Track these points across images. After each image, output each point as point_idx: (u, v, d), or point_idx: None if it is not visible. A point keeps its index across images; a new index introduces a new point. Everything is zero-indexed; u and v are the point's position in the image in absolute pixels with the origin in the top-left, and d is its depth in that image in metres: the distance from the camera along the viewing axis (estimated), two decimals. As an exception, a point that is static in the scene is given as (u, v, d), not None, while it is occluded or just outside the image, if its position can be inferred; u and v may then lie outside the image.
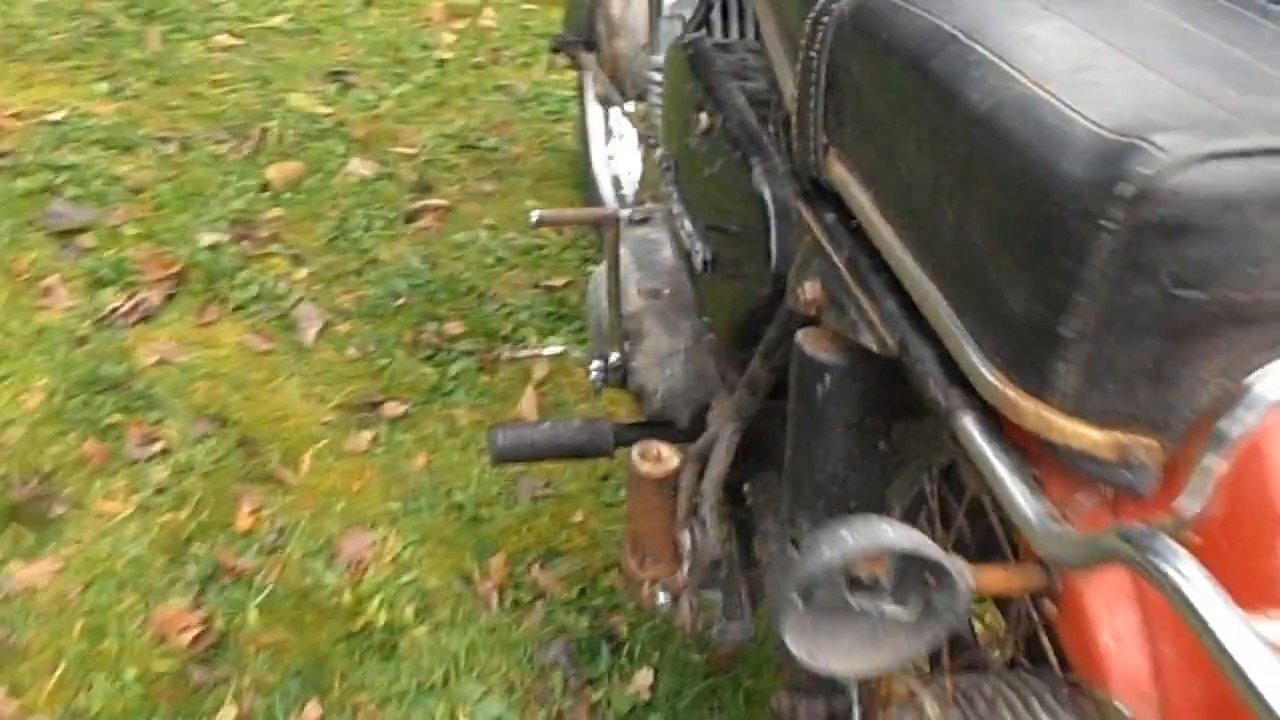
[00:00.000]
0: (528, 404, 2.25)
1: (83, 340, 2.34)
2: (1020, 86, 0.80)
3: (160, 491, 2.04)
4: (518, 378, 2.32)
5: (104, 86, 3.22)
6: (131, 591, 1.87)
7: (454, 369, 2.33)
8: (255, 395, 2.26)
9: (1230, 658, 0.60)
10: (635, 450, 1.37)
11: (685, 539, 1.38)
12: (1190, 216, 0.70)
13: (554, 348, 2.02)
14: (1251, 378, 0.73)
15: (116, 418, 2.17)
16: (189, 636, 1.80)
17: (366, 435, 2.18)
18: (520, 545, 1.97)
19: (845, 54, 1.02)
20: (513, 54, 3.55)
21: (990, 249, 0.81)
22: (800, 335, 1.09)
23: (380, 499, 2.06)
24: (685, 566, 1.39)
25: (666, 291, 1.64)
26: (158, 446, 2.12)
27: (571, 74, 2.85)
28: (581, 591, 1.90)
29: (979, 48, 0.85)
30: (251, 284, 2.52)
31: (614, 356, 1.66)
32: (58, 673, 1.74)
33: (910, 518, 1.23)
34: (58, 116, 3.05)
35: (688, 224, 1.41)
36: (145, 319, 2.41)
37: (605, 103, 2.61)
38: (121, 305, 2.42)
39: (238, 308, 2.47)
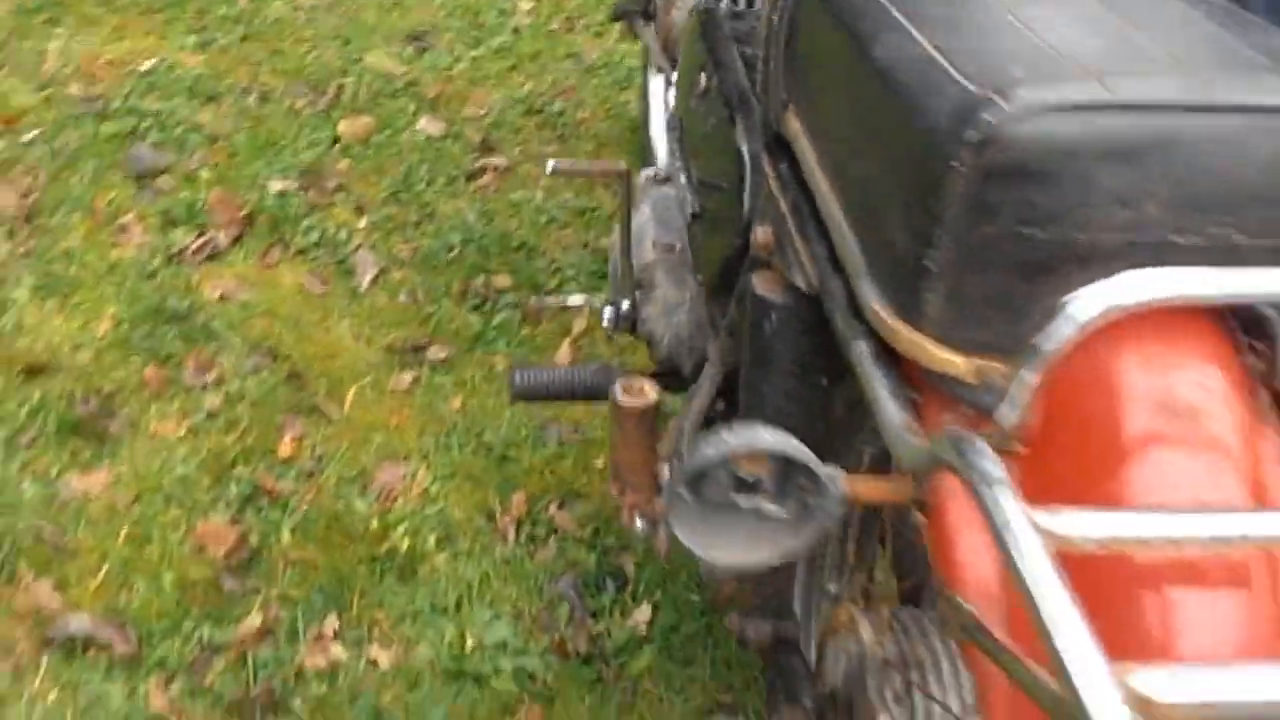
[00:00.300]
0: (563, 356, 2.35)
1: (152, 275, 2.48)
2: (919, 48, 0.88)
3: (211, 417, 2.17)
4: (557, 331, 2.42)
5: (193, 39, 3.37)
6: (176, 506, 2.00)
7: (498, 319, 2.44)
8: (308, 333, 2.39)
9: (1008, 547, 0.68)
10: (619, 384, 1.46)
11: (665, 471, 1.47)
12: (1030, 162, 0.78)
13: (578, 298, 2.12)
14: (1066, 298, 0.80)
15: (177, 347, 2.31)
16: (225, 549, 1.93)
17: (408, 376, 2.30)
18: (542, 485, 2.07)
19: (801, 15, 1.10)
20: (587, 22, 3.65)
21: (885, 192, 0.90)
22: (754, 276, 1.18)
23: (415, 435, 2.17)
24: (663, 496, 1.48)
25: (678, 246, 1.73)
26: (212, 375, 2.26)
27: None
28: (595, 531, 1.99)
29: (896, 12, 0.93)
30: (314, 230, 2.65)
31: (625, 305, 1.75)
32: (102, 573, 1.88)
33: (882, 462, 1.31)
34: (147, 66, 3.20)
35: (683, 178, 1.50)
36: (212, 258, 2.55)
37: (664, 71, 2.69)
38: (191, 244, 2.56)
39: (299, 252, 2.60)
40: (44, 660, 1.75)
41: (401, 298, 2.50)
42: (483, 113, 3.15)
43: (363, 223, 2.70)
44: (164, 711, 1.70)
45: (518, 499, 2.04)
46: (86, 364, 2.26)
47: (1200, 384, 0.83)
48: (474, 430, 2.18)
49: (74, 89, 3.08)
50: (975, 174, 0.79)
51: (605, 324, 1.77)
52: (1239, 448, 0.83)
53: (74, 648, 1.77)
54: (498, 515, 2.02)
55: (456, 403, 2.24)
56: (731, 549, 0.92)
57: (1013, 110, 0.78)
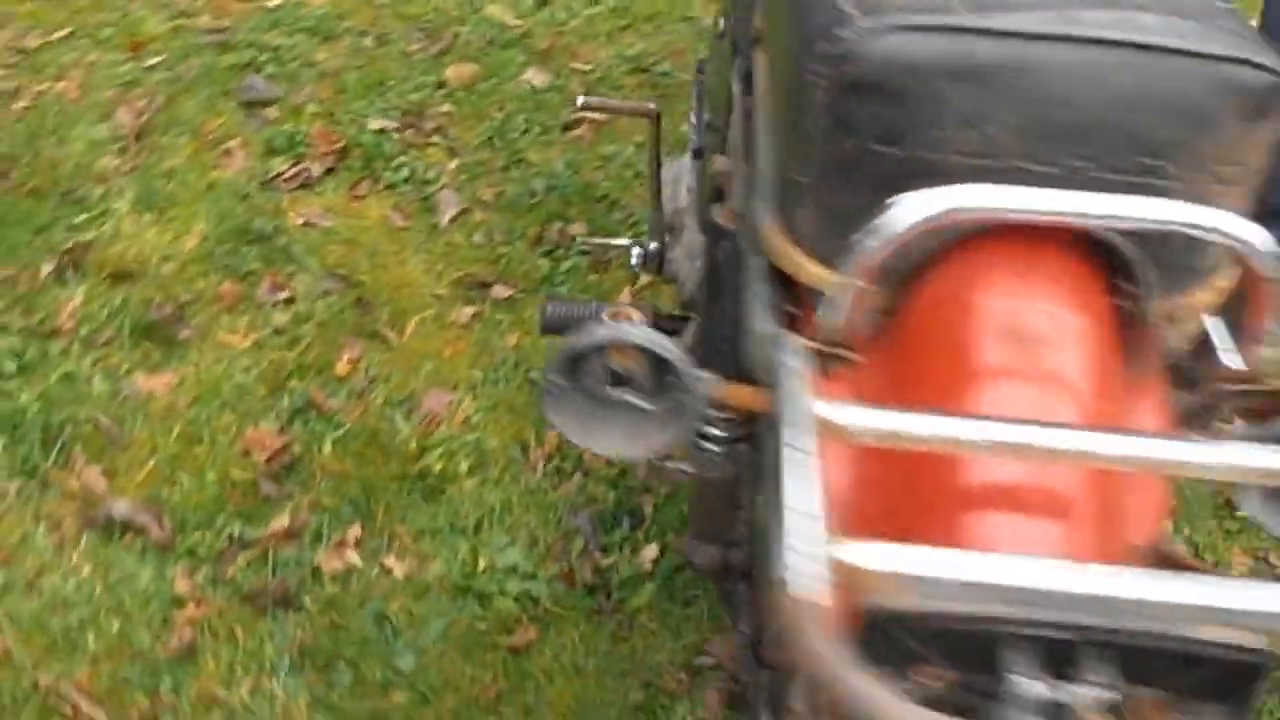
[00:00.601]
0: (623, 301, 2.40)
1: (245, 198, 2.60)
2: None
3: (277, 333, 2.28)
4: (623, 280, 2.47)
5: (322, -19, 3.49)
6: (230, 412, 2.11)
7: (566, 264, 2.49)
8: (382, 264, 2.48)
9: (778, 427, 0.71)
10: (606, 311, 1.50)
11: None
12: (882, 79, 0.81)
13: (623, 240, 2.16)
14: (892, 200, 0.82)
15: (256, 266, 2.42)
16: (268, 455, 2.03)
17: (470, 311, 2.37)
18: (579, 424, 2.12)
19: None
20: (708, -12, 3.67)
21: (778, 111, 0.93)
22: (713, 206, 1.21)
23: (466, 367, 2.24)
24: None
25: (709, 192, 1.76)
26: (284, 295, 2.36)
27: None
28: (620, 472, 2.04)
29: None
30: (405, 167, 2.74)
31: (653, 246, 1.79)
32: (150, 465, 1.99)
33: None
34: (275, 3, 3.33)
35: (694, 118, 1.53)
36: (304, 186, 2.66)
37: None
38: (286, 171, 2.68)
39: (388, 186, 2.69)
40: (84, 538, 1.88)
41: (477, 238, 2.57)
42: (589, 68, 3.20)
43: (453, 164, 2.78)
44: (185, 595, 1.81)
45: (552, 435, 2.10)
46: (170, 274, 2.38)
47: (1052, 315, 0.85)
48: (523, 367, 2.24)
49: (203, 20, 3.22)
50: (832, 88, 0.82)
51: (633, 264, 1.81)
52: (1081, 381, 0.84)
53: (113, 530, 1.89)
54: (531, 448, 2.08)
55: (512, 340, 2.31)
56: (606, 439, 0.96)
57: (868, 27, 0.80)
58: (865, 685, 0.62)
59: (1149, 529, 0.89)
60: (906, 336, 0.87)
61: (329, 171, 2.71)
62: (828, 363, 0.88)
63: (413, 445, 2.07)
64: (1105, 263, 0.88)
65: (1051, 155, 0.83)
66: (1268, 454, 0.76)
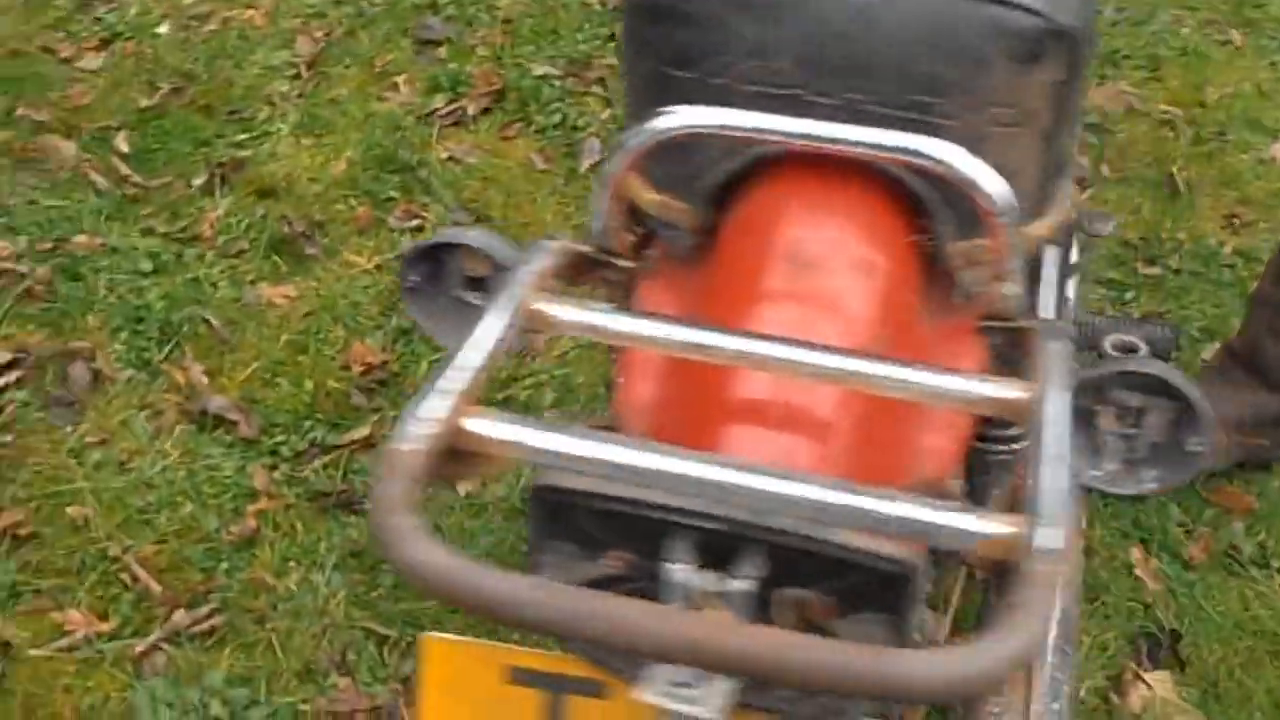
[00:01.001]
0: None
1: (398, 129, 2.70)
2: None
3: (400, 258, 2.36)
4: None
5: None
6: (341, 327, 2.21)
7: (695, 218, 2.50)
8: (516, 202, 2.54)
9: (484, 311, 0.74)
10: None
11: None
12: (671, 4, 0.83)
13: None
14: (645, 115, 0.83)
15: (393, 194, 2.51)
16: (366, 369, 2.12)
17: (588, 253, 2.40)
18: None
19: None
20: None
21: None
22: None
23: (573, 306, 2.28)
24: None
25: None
26: (415, 223, 2.45)
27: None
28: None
29: None
30: (558, 113, 2.78)
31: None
32: (251, 368, 2.10)
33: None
34: (470, -50, 3.43)
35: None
36: (456, 124, 2.74)
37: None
38: (442, 108, 2.76)
39: (538, 130, 2.75)
40: (178, 429, 2.00)
41: (614, 185, 2.60)
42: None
43: (606, 114, 2.82)
44: (259, 489, 1.91)
45: (640, 377, 2.12)
46: (312, 195, 2.50)
47: (835, 244, 0.86)
48: (629, 311, 2.27)
49: (396, -37, 3.34)
50: (631, 10, 0.86)
51: None
52: (855, 308, 0.85)
53: (206, 423, 2.00)
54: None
55: (624, 284, 2.33)
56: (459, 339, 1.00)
57: None
58: (399, 523, 0.65)
59: (933, 468, 0.89)
60: (713, 254, 0.91)
61: (484, 111, 2.79)
62: (617, 271, 0.92)
63: (504, 375, 2.12)
64: (908, 204, 0.89)
65: (831, 88, 0.86)
66: (984, 384, 0.76)
